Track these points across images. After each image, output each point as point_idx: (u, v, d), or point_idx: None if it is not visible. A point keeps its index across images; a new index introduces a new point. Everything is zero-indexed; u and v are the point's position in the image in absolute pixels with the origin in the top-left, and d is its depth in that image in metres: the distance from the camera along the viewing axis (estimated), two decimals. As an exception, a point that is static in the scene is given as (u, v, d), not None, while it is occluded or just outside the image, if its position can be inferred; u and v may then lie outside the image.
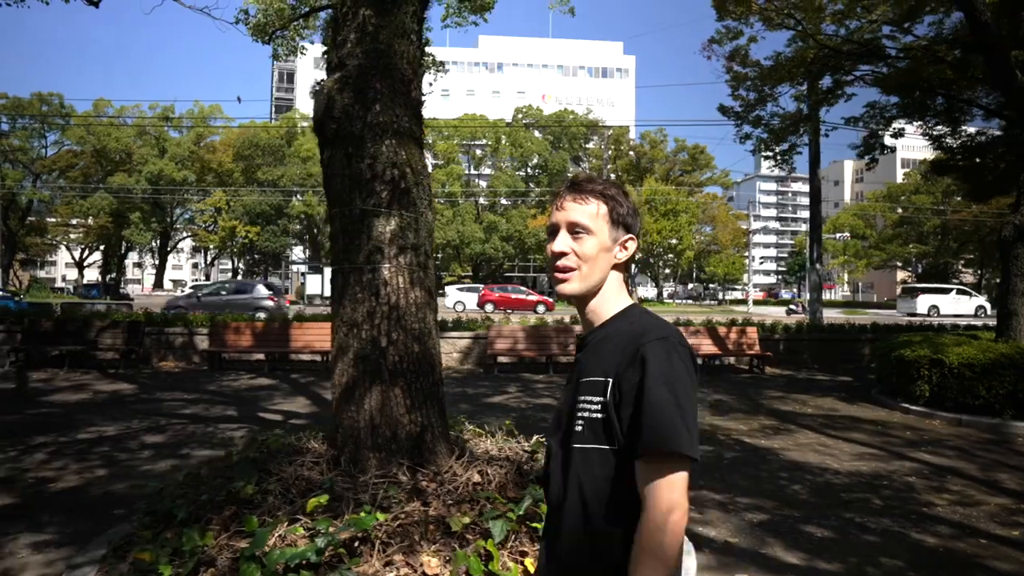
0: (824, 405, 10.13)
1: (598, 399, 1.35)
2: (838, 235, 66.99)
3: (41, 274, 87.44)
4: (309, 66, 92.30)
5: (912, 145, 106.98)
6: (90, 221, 55.52)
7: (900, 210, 65.56)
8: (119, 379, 11.45)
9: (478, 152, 60.30)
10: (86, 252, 63.68)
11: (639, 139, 59.30)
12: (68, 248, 63.60)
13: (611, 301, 1.47)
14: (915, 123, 16.48)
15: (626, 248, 1.48)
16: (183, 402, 9.65)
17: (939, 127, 15.67)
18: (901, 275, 78.77)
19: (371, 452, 4.10)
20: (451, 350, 14.08)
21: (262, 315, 16.41)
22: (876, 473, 6.39)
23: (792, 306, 44.45)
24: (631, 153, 60.00)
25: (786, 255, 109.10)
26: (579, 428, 1.37)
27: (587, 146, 61.26)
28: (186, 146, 55.02)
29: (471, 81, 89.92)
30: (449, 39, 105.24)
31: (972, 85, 14.16)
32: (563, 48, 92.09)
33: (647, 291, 70.39)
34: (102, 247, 59.44)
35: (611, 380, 1.34)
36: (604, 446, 1.33)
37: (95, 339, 12.60)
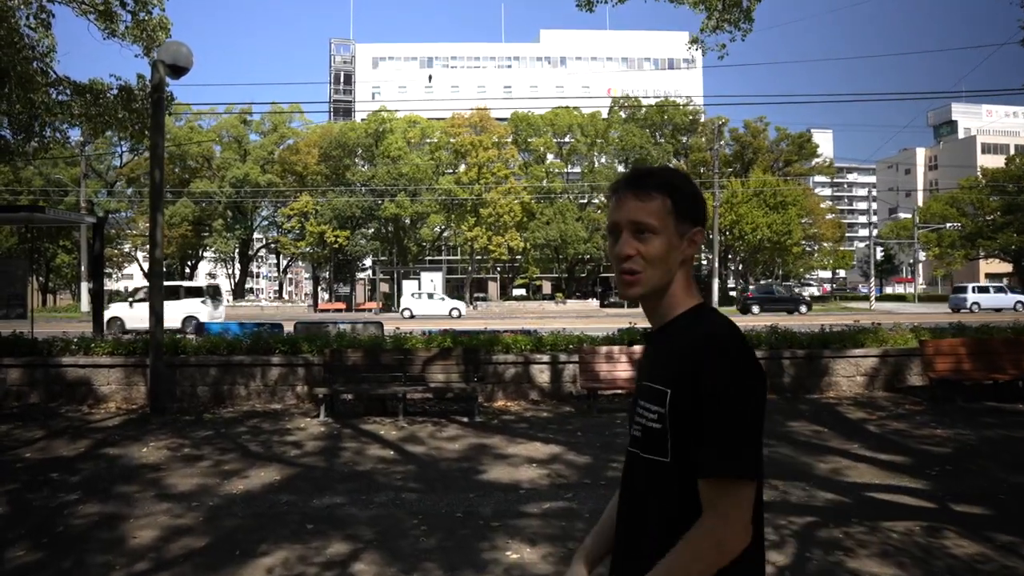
0: None
1: (655, 409, 1.28)
2: (948, 225, 61.96)
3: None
4: (367, 67, 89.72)
5: (989, 129, 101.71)
6: (161, 230, 52.82)
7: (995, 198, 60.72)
8: (506, 434, 7.82)
9: (564, 148, 56.63)
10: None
11: (743, 128, 55.27)
12: (139, 261, 61.09)
13: (678, 299, 1.36)
14: None
15: (694, 242, 1.35)
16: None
17: None
18: (984, 267, 73.82)
19: None
20: (853, 372, 10.51)
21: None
22: None
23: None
24: (733, 143, 56.02)
25: (852, 248, 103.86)
26: (636, 433, 1.33)
27: (682, 139, 57.36)
28: (267, 148, 52.14)
29: (534, 76, 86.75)
30: (506, 35, 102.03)
31: None
32: (627, 40, 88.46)
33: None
34: (179, 257, 56.68)
35: (670, 392, 1.25)
36: (658, 457, 1.27)
37: (421, 374, 9.20)
